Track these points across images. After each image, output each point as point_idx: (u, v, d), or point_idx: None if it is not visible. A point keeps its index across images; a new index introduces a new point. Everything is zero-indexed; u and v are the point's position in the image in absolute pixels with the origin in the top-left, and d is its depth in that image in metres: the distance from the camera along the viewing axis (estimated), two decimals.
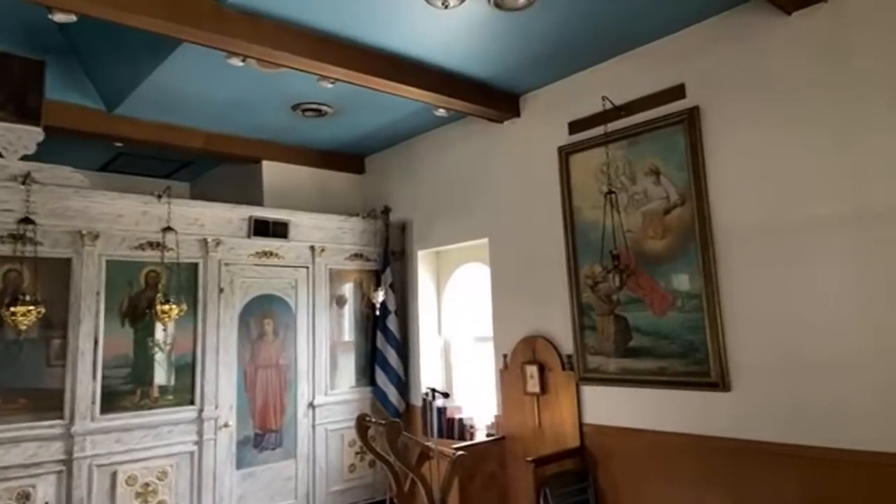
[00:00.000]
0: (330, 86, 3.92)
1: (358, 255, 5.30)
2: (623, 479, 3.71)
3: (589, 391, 3.95)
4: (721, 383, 3.30)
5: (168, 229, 4.22)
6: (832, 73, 2.98)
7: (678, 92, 3.54)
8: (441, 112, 4.38)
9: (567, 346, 4.07)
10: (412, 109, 4.58)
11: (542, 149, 4.28)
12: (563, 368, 4.09)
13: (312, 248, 5.02)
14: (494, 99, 4.33)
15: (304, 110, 4.61)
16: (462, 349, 5.28)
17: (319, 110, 4.62)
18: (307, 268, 5.01)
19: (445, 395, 4.33)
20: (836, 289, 2.94)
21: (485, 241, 4.70)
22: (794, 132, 3.10)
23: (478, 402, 4.93)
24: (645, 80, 3.69)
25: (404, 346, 5.30)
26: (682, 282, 3.48)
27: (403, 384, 5.21)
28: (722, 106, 3.37)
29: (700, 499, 3.34)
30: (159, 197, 4.21)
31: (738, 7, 3.31)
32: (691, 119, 3.46)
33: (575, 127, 4.07)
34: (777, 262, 3.14)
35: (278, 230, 4.83)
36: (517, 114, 4.47)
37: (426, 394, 5.07)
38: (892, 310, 2.77)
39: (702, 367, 3.39)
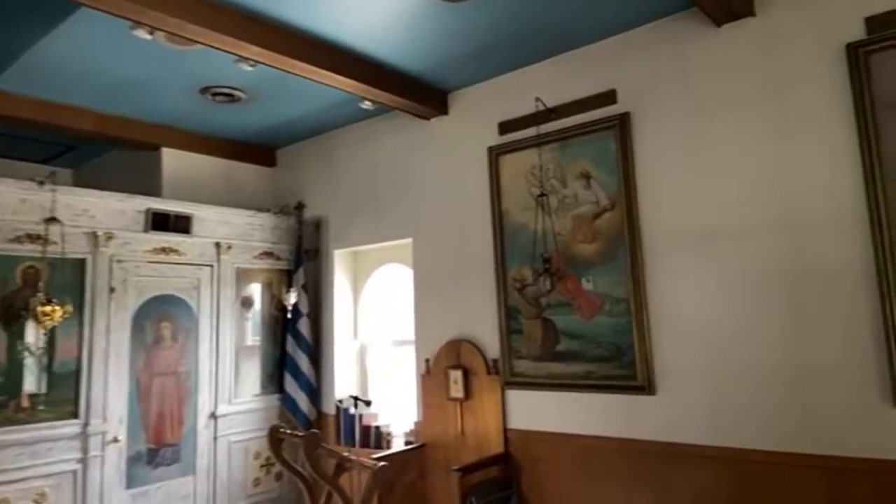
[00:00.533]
0: (249, 68, 3.60)
1: (268, 254, 4.96)
2: (549, 485, 3.67)
3: (515, 396, 3.89)
4: (647, 387, 3.34)
5: (52, 220, 3.71)
6: (759, 85, 3.10)
7: (610, 97, 3.57)
8: (367, 105, 4.17)
9: (493, 350, 3.99)
10: (335, 100, 4.33)
11: (471, 148, 4.18)
12: (489, 373, 4.00)
13: (218, 245, 4.64)
14: (423, 94, 4.19)
15: (215, 94, 4.23)
16: (379, 354, 5.08)
17: (232, 95, 4.26)
18: (212, 266, 4.62)
19: (368, 403, 4.13)
20: (757, 293, 3.04)
21: (408, 241, 4.54)
22: (722, 142, 3.19)
23: (396, 409, 4.75)
24: (577, 83, 3.70)
25: (316, 350, 5.02)
26: (610, 286, 3.49)
27: (315, 391, 4.93)
28: (652, 113, 3.43)
29: (627, 502, 3.36)
30: (41, 183, 3.69)
31: (670, 16, 3.37)
32: (622, 125, 3.49)
33: (505, 127, 4.01)
34: (702, 267, 3.22)
35: (180, 225, 4.41)
36: (445, 111, 4.35)
37: (340, 401, 4.84)
38: (810, 316, 2.89)
39: (629, 371, 3.41)
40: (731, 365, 3.10)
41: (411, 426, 4.46)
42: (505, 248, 3.94)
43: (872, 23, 2.78)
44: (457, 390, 4.10)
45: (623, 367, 3.44)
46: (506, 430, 3.90)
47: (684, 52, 3.33)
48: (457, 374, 4.11)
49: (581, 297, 3.60)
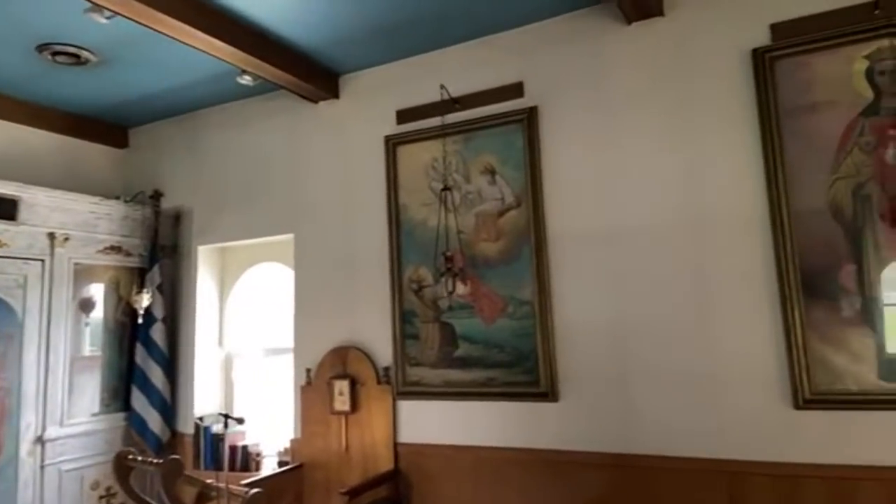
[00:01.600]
0: (104, 21, 2.99)
1: (115, 249, 4.26)
2: (443, 501, 3.38)
3: (407, 406, 3.57)
4: (550, 393, 3.18)
5: None
6: (667, 85, 3.08)
7: (517, 90, 3.40)
8: (246, 80, 3.67)
9: (385, 357, 3.65)
10: (209, 72, 3.78)
11: (364, 136, 3.83)
12: (379, 382, 3.65)
13: (52, 236, 3.88)
14: (312, 73, 3.77)
15: (57, 53, 3.51)
16: (249, 364, 4.52)
17: (79, 56, 3.55)
18: (43, 261, 3.86)
19: (240, 421, 3.58)
20: (662, 296, 2.99)
21: (289, 237, 4.07)
22: (630, 141, 3.13)
23: (267, 426, 4.23)
24: (484, 73, 3.49)
25: (172, 361, 4.37)
26: (514, 287, 3.31)
27: (169, 408, 4.29)
28: (560, 109, 3.30)
29: None
30: None
31: (581, 10, 3.27)
32: (529, 119, 3.34)
33: (404, 116, 3.71)
34: (607, 268, 3.13)
35: (3, 209, 3.62)
36: (336, 94, 3.96)
37: (201, 419, 4.22)
38: (713, 320, 2.88)
39: (531, 377, 3.24)
40: (636, 369, 3.02)
41: (286, 445, 3.98)
42: (401, 246, 3.62)
43: (777, 30, 2.85)
44: (342, 402, 3.70)
45: (525, 372, 3.25)
46: (396, 444, 3.56)
47: (595, 47, 3.24)
48: (342, 385, 3.71)
49: (483, 300, 3.38)
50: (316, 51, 3.63)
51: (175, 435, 4.29)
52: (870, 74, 2.68)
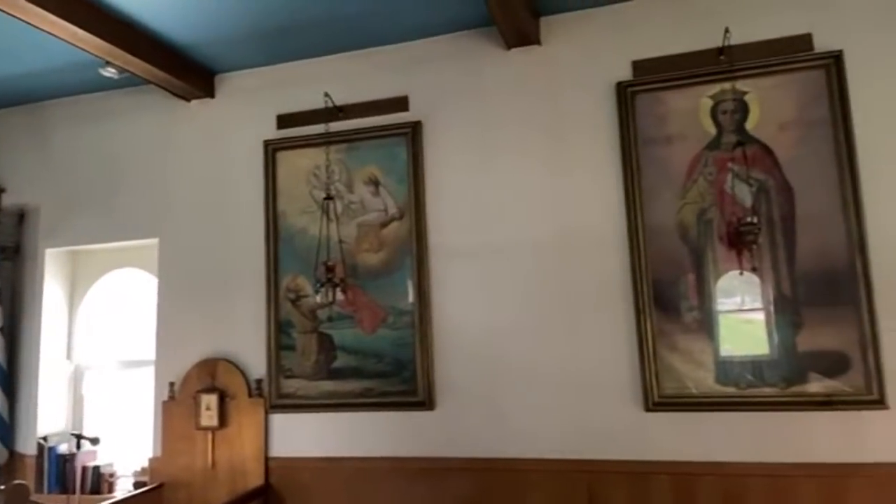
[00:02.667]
0: None
1: None
2: None
3: (281, 420, 3.47)
4: (427, 402, 3.24)
5: None
6: (541, 111, 3.26)
7: (402, 103, 3.45)
8: (111, 72, 3.39)
9: (258, 369, 3.52)
10: (66, 60, 3.45)
11: (241, 139, 3.69)
12: (251, 395, 3.52)
13: None
14: (185, 70, 3.57)
15: None
16: (103, 378, 4.15)
17: None
18: None
19: (95, 441, 3.28)
20: (534, 308, 3.17)
21: (153, 241, 3.81)
22: (508, 161, 3.28)
23: (123, 445, 3.92)
24: (370, 84, 3.50)
25: (11, 375, 3.92)
26: (395, 297, 3.34)
27: (7, 426, 3.84)
28: (444, 125, 3.39)
29: None
30: None
31: (466, 31, 3.39)
32: (414, 133, 3.40)
33: (286, 121, 3.62)
34: (484, 280, 3.25)
35: None
36: (211, 94, 3.78)
37: (45, 438, 3.83)
38: (579, 330, 3.09)
39: (409, 387, 3.28)
40: (507, 377, 3.17)
41: (144, 464, 3.71)
42: (279, 255, 3.53)
43: (638, 66, 3.13)
44: (209, 417, 3.52)
45: (403, 382, 3.29)
46: (267, 458, 3.45)
47: (477, 68, 3.37)
48: (210, 399, 3.53)
49: (364, 310, 3.38)
50: (190, 47, 3.46)
51: (13, 456, 3.85)
52: (713, 112, 3.02)
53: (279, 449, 3.46)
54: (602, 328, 3.06)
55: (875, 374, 2.67)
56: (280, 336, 3.49)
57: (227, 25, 3.26)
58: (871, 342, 2.68)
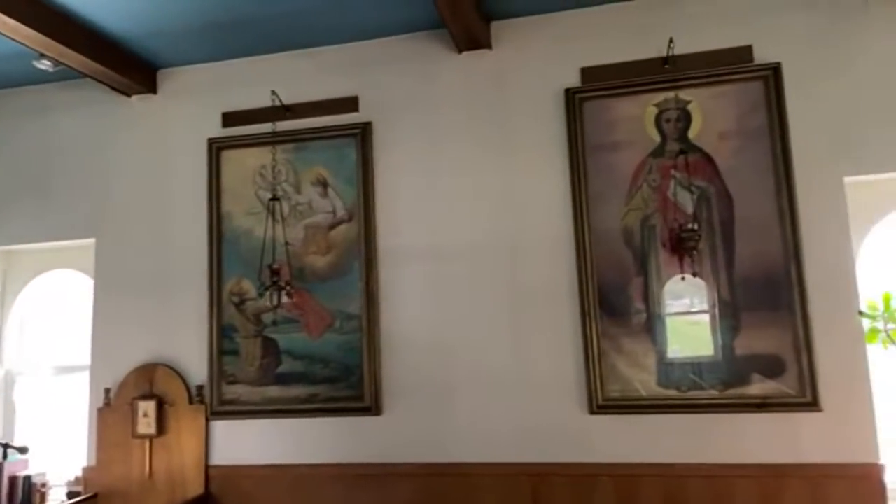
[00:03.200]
0: None
1: None
2: None
3: (223, 427, 3.37)
4: (374, 407, 3.20)
5: None
6: (492, 115, 3.27)
7: (352, 104, 3.40)
8: (45, 65, 3.24)
9: (199, 375, 3.41)
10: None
11: (184, 137, 3.58)
12: (191, 402, 3.41)
13: None
14: (125, 64, 3.44)
15: None
16: (34, 384, 3.96)
17: None
18: None
19: (23, 451, 3.11)
20: (482, 313, 3.16)
21: (89, 241, 3.66)
22: (456, 162, 3.28)
23: (56, 454, 3.74)
24: (319, 83, 3.44)
25: None
26: (343, 301, 3.28)
27: None
28: (394, 127, 3.36)
29: None
30: None
31: (417, 33, 3.37)
32: (363, 134, 3.35)
33: (231, 119, 3.53)
34: (433, 284, 3.23)
35: None
36: (154, 90, 3.65)
37: None
38: (527, 334, 3.10)
39: (356, 392, 3.23)
40: (455, 380, 3.15)
41: (78, 473, 3.55)
42: (223, 257, 3.43)
43: (587, 73, 3.17)
44: (147, 425, 3.40)
45: (350, 387, 3.24)
46: (208, 467, 3.35)
47: (428, 71, 3.36)
48: (148, 406, 3.41)
49: (310, 314, 3.31)
50: (131, 41, 3.34)
51: None
52: (658, 121, 3.08)
53: (220, 457, 3.36)
54: (549, 332, 3.07)
55: (808, 377, 2.75)
56: (223, 341, 3.39)
57: (170, 19, 3.16)
58: (804, 346, 2.77)
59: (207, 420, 3.38)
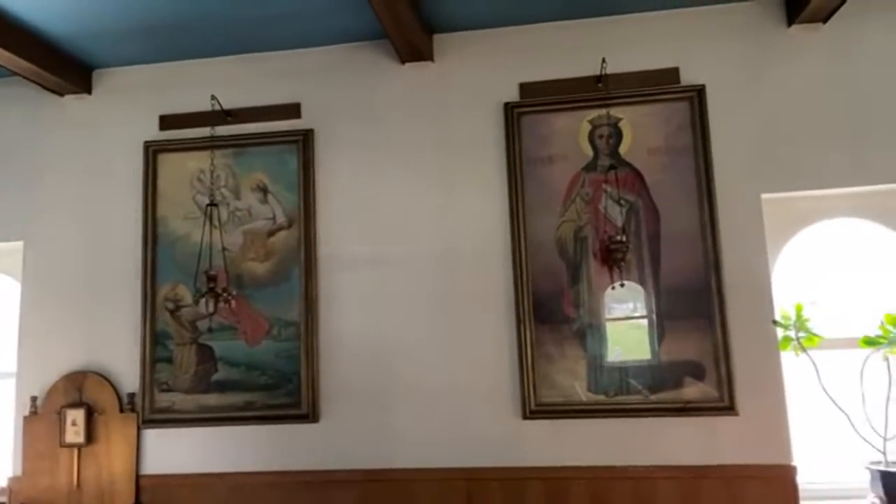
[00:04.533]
0: None
1: None
2: None
3: (155, 435, 3.31)
4: (311, 414, 3.20)
5: None
6: (433, 127, 3.32)
7: (294, 110, 3.40)
8: None
9: (131, 382, 3.34)
10: None
11: (119, 139, 3.50)
12: (122, 410, 3.33)
13: None
14: (58, 64, 3.34)
15: None
16: None
17: None
18: None
19: None
20: (422, 319, 3.21)
21: (16, 245, 3.53)
22: (397, 172, 3.32)
23: None
24: (261, 89, 3.43)
25: None
26: (281, 308, 3.28)
27: None
28: (336, 135, 3.38)
29: None
30: None
31: (360, 42, 3.40)
32: (305, 141, 3.36)
33: (169, 122, 3.48)
34: (373, 291, 3.26)
35: None
36: (88, 90, 3.57)
37: None
38: (465, 340, 3.17)
39: (293, 399, 3.23)
40: (394, 387, 3.18)
41: (3, 484, 3.41)
42: (157, 262, 3.37)
43: (525, 88, 3.26)
44: (75, 434, 3.30)
45: (287, 394, 3.23)
46: (139, 477, 3.28)
47: (371, 80, 3.39)
48: (76, 414, 3.31)
49: (247, 321, 3.29)
50: (65, 39, 3.25)
51: None
52: (591, 136, 3.20)
53: (152, 466, 3.30)
54: (485, 340, 3.15)
55: (726, 382, 2.91)
56: (156, 348, 3.33)
57: (106, 18, 3.09)
58: (723, 353, 2.93)
59: (139, 429, 3.31)
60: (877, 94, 3.04)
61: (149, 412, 3.31)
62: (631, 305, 3.07)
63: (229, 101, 3.41)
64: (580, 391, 3.03)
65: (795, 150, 3.06)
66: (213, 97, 3.32)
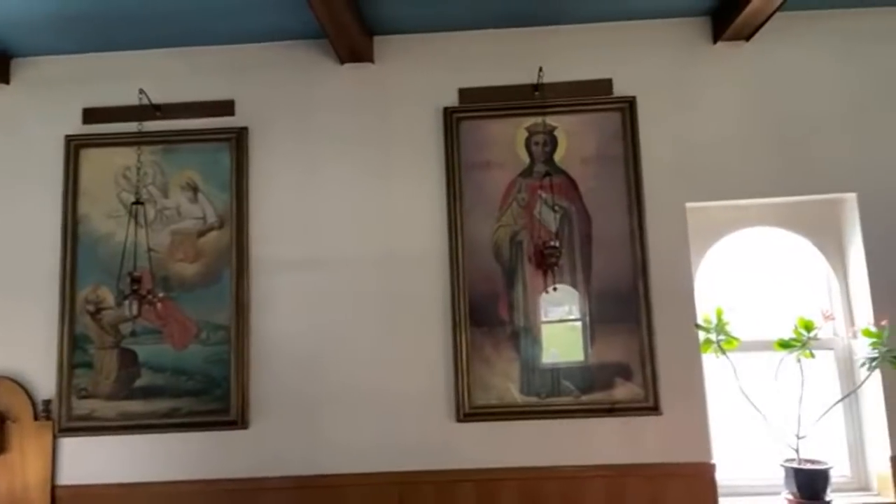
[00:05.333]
0: None
1: None
2: None
3: (73, 444, 3.15)
4: (240, 420, 3.12)
5: None
6: (372, 129, 3.30)
7: (227, 107, 3.32)
8: None
9: (47, 389, 3.17)
10: None
11: (39, 133, 3.33)
12: (37, 418, 3.15)
13: None
14: None
15: None
16: None
17: None
18: None
19: None
20: (357, 323, 3.18)
21: None
22: (335, 173, 3.28)
23: None
24: (192, 84, 3.33)
25: None
26: (210, 311, 3.18)
27: None
28: (272, 134, 3.32)
29: None
30: None
31: (298, 41, 3.35)
32: (239, 139, 3.28)
33: (93, 115, 3.32)
34: (307, 294, 3.21)
35: None
36: (5, 79, 3.37)
37: None
38: (401, 345, 3.16)
39: (221, 405, 3.13)
40: (327, 392, 3.14)
41: None
42: (77, 262, 3.21)
43: (464, 94, 3.29)
44: None
45: (215, 400, 3.14)
46: (55, 487, 3.11)
47: (309, 79, 3.34)
48: None
49: (174, 324, 3.18)
50: None
51: None
52: (527, 143, 3.26)
53: (70, 476, 3.13)
54: (421, 343, 3.14)
55: (651, 383, 3.02)
56: (75, 352, 3.17)
57: (25, 5, 2.93)
58: (648, 355, 3.04)
59: (55, 437, 3.14)
60: (793, 111, 3.23)
61: (66, 420, 3.14)
62: (567, 308, 3.13)
63: (159, 96, 3.29)
64: (513, 393, 3.07)
65: (718, 161, 3.21)
66: (141, 91, 3.20)
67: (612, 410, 3.01)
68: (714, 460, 3.01)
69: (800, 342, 2.92)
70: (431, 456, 3.05)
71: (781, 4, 2.91)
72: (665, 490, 2.96)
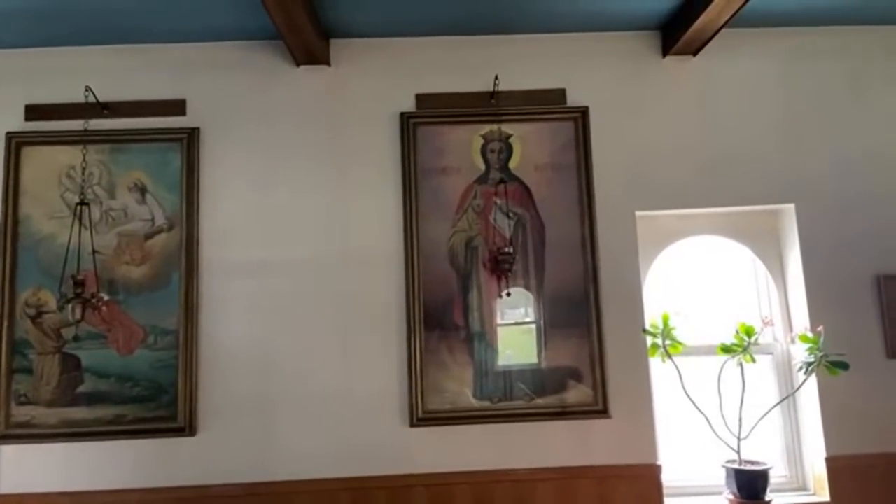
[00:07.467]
0: None
1: None
2: None
3: (11, 452, 3.03)
4: (188, 427, 3.05)
5: None
6: (328, 132, 3.28)
7: (178, 107, 3.25)
8: None
9: None
10: None
11: None
12: None
13: None
14: None
15: None
16: None
17: None
18: None
19: None
20: (312, 328, 3.15)
21: None
22: (289, 176, 3.25)
23: None
24: (142, 82, 3.25)
25: None
26: (158, 316, 3.10)
27: None
28: (225, 135, 3.26)
29: None
30: None
31: (253, 41, 3.31)
32: (190, 140, 3.21)
33: (36, 112, 3.21)
34: (260, 299, 3.16)
35: None
36: None
37: None
38: (355, 350, 3.14)
39: (168, 412, 3.06)
40: (279, 398, 3.10)
41: None
42: (17, 265, 3.09)
43: (421, 100, 3.31)
44: None
45: (162, 407, 3.06)
46: None
47: (264, 80, 3.30)
48: None
49: (119, 329, 3.09)
50: None
51: None
52: (483, 150, 3.30)
53: (9, 485, 3.01)
54: (375, 348, 3.14)
55: (601, 387, 3.09)
56: (13, 357, 3.05)
57: None
58: (598, 360, 3.11)
59: None
60: (734, 124, 3.35)
61: (4, 427, 3.02)
62: (522, 311, 3.18)
63: (106, 94, 3.20)
64: (466, 398, 3.10)
65: (666, 171, 3.31)
66: (87, 88, 3.10)
67: (563, 414, 3.07)
68: (660, 462, 3.10)
69: (741, 347, 3.03)
70: (384, 461, 3.05)
71: (728, 20, 3.03)
72: (614, 491, 3.04)
